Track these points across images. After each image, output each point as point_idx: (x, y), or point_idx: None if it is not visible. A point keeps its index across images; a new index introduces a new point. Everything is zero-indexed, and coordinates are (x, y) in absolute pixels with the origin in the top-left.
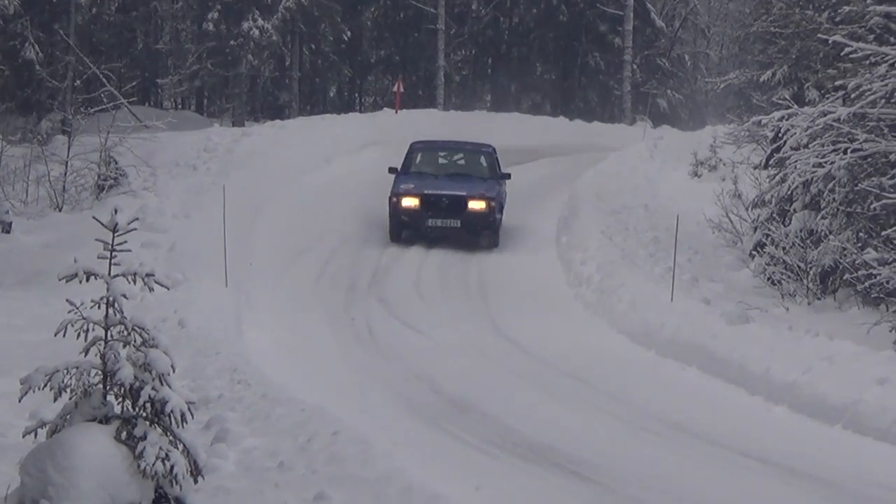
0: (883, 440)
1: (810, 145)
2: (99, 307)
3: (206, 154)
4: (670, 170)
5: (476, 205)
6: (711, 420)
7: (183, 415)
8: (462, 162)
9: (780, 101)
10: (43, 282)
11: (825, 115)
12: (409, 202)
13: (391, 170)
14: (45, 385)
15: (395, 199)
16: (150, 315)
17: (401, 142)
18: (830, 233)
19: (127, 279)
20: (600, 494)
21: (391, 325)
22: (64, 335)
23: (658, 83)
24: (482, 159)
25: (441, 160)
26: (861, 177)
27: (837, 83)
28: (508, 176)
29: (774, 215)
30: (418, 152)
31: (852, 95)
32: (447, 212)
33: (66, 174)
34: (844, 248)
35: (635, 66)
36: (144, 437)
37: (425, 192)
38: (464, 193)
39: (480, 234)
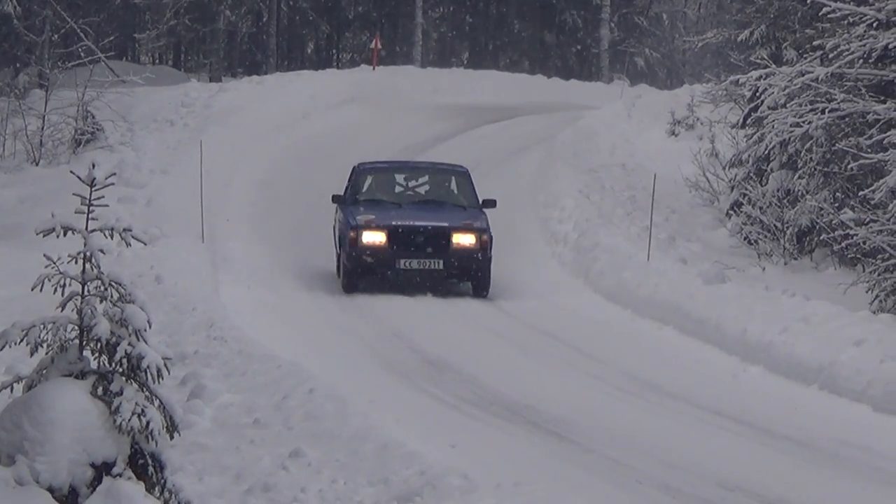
0: (858, 401)
1: (788, 105)
2: (76, 262)
3: (184, 109)
4: (647, 129)
5: (463, 239)
6: (687, 380)
7: (159, 370)
8: (428, 187)
9: (758, 61)
10: (19, 236)
11: (803, 75)
12: (373, 237)
13: (335, 198)
14: (22, 340)
15: (352, 235)
16: (127, 270)
17: (379, 98)
18: (807, 193)
19: (104, 234)
20: (577, 453)
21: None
22: (41, 290)
23: (636, 42)
24: (455, 183)
25: (399, 186)
26: (838, 137)
27: (815, 43)
28: (494, 203)
29: (751, 175)
30: (367, 175)
31: (830, 55)
32: (424, 249)
33: (42, 128)
34: (821, 208)
35: (613, 24)
36: (121, 393)
37: (393, 223)
38: (446, 224)
39: (469, 279)
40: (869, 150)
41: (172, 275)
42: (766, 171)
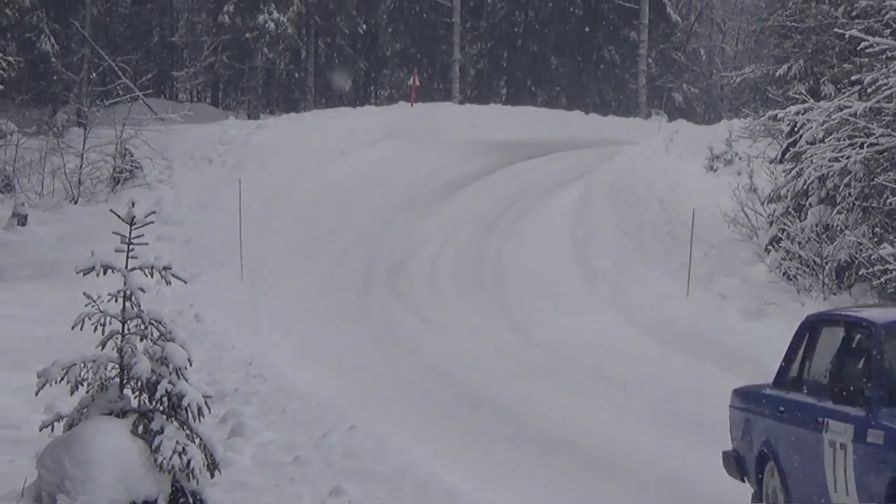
0: None
1: (826, 140)
2: (116, 300)
3: (222, 147)
4: (686, 164)
5: None
6: (725, 414)
7: (199, 409)
8: None
9: (796, 96)
10: (59, 274)
11: (841, 110)
12: None
13: None
14: (62, 378)
15: None
16: (167, 309)
17: (417, 135)
18: (846, 227)
19: (144, 272)
20: (617, 490)
21: (406, 319)
22: (81, 328)
23: (673, 77)
24: None
25: None
26: (877, 171)
27: (853, 78)
28: None
29: (790, 210)
30: None
31: (868, 90)
32: None
33: (81, 166)
34: (860, 243)
35: (651, 60)
36: (161, 431)
37: None
38: None
39: None
40: None
41: (212, 313)
42: (804, 206)
